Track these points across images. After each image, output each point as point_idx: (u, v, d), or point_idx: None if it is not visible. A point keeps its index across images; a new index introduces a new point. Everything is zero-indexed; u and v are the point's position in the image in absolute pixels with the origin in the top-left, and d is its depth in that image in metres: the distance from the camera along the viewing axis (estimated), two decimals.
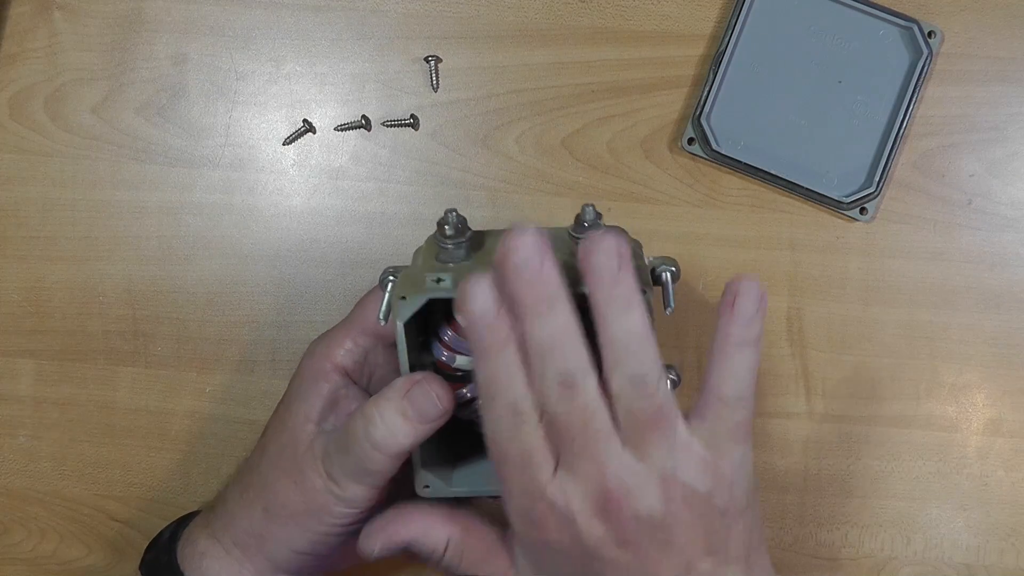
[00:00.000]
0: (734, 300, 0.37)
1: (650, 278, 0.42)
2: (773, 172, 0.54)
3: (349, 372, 0.46)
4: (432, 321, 0.44)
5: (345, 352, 0.46)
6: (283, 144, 0.57)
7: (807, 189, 0.54)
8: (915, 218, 0.55)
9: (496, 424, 0.37)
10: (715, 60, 0.54)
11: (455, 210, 0.42)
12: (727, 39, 0.54)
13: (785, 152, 0.54)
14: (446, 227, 0.42)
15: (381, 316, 0.42)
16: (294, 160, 0.57)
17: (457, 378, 0.44)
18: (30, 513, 0.57)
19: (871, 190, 0.54)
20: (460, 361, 0.44)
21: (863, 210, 0.54)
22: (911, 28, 0.54)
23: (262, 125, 0.56)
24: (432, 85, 0.56)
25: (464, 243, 0.42)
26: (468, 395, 0.45)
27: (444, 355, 0.44)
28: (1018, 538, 0.55)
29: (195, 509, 0.51)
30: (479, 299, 0.36)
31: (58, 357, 0.57)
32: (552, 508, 0.37)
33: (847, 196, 0.54)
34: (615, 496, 0.36)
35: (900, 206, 0.55)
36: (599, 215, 0.41)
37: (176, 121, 0.56)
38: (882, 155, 0.54)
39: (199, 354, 0.56)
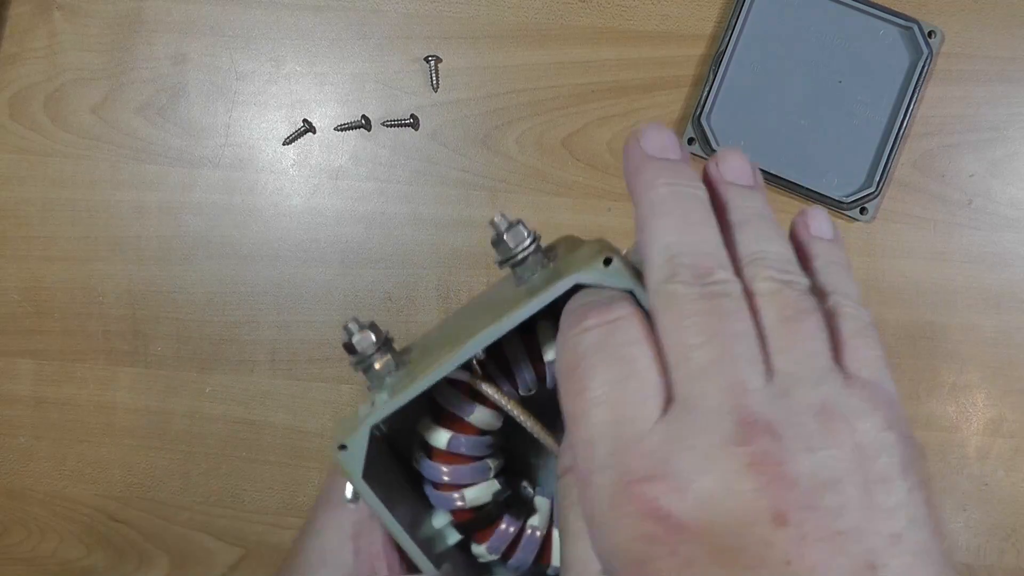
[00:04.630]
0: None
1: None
2: (773, 172, 0.54)
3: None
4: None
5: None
6: (283, 144, 0.57)
7: (807, 189, 0.54)
8: (915, 218, 0.55)
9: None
10: (715, 60, 0.54)
11: (355, 320, 0.31)
12: (727, 39, 0.54)
13: (785, 152, 0.54)
14: (353, 346, 0.31)
15: (348, 496, 0.31)
16: (294, 160, 0.57)
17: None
18: (30, 513, 0.57)
19: (871, 190, 0.54)
20: (472, 496, 0.33)
21: (863, 210, 0.54)
22: (911, 28, 0.54)
23: (262, 125, 0.57)
24: (432, 85, 0.56)
25: (385, 350, 0.31)
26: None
27: (457, 502, 0.33)
28: (1018, 538, 0.55)
29: (195, 509, 0.51)
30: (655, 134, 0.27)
31: (58, 357, 0.57)
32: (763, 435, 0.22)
33: (847, 196, 0.54)
34: (835, 417, 0.23)
35: (900, 206, 0.55)
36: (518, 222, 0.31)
37: (176, 121, 0.56)
38: (882, 155, 0.54)
39: (199, 354, 0.56)
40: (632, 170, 0.27)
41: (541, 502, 0.35)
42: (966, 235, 0.55)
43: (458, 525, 0.33)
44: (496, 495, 0.33)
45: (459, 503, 0.33)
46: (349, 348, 0.31)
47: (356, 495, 0.31)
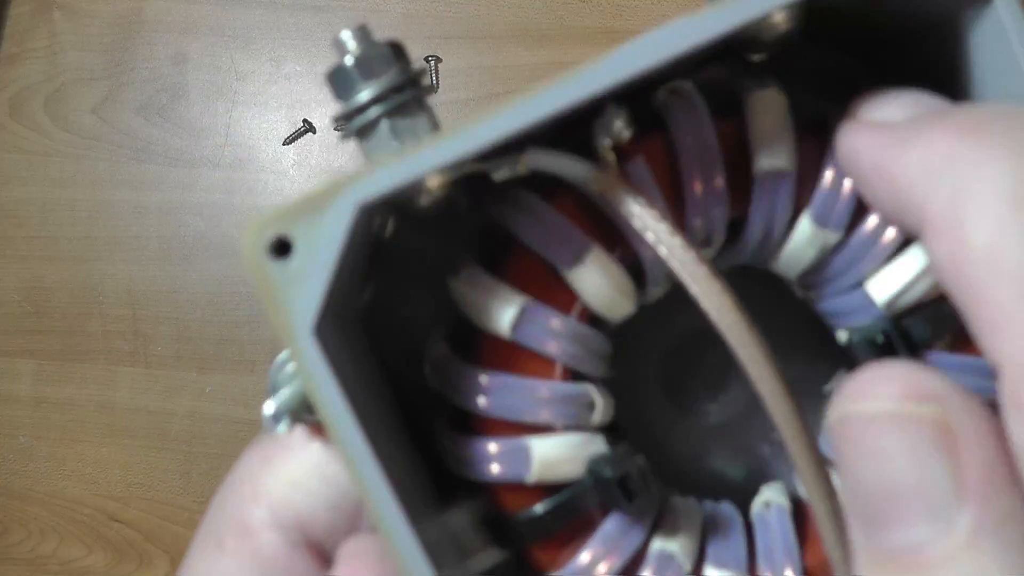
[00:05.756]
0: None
1: None
2: None
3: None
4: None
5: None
6: (283, 144, 0.57)
7: None
8: None
9: None
10: None
11: (359, 29, 0.17)
12: None
13: None
14: (347, 73, 0.16)
15: (269, 412, 0.17)
16: (294, 160, 0.57)
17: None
18: (30, 513, 0.57)
19: None
20: (546, 453, 0.17)
21: None
22: None
23: (262, 125, 0.57)
24: (432, 85, 0.56)
25: (411, 92, 0.17)
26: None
27: (502, 464, 0.17)
28: None
29: (195, 509, 0.51)
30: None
31: (58, 357, 0.57)
32: None
33: None
34: None
35: None
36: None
37: (176, 121, 0.56)
38: None
39: (199, 354, 0.56)
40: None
41: (690, 508, 0.19)
42: None
43: (500, 523, 0.17)
44: (595, 466, 0.17)
45: (510, 469, 0.16)
46: (337, 80, 0.16)
47: (292, 411, 0.16)
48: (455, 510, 0.17)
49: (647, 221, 0.15)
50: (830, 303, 0.18)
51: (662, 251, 0.15)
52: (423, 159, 0.14)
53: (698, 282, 0.15)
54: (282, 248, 0.15)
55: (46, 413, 0.57)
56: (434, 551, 0.15)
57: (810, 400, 0.19)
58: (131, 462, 0.57)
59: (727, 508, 0.19)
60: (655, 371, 0.20)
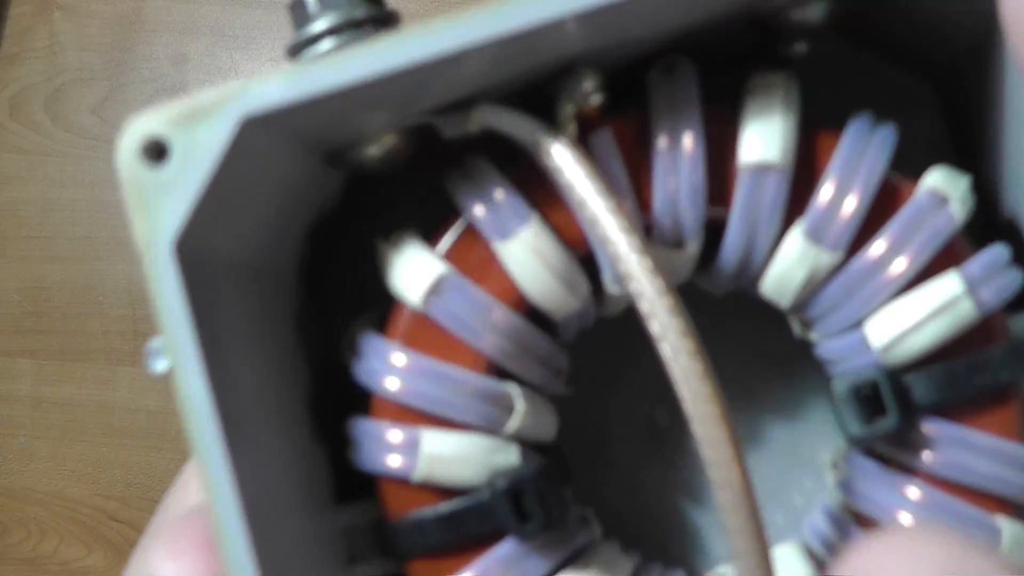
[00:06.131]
0: None
1: None
2: None
3: None
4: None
5: None
6: None
7: None
8: None
9: None
10: None
11: None
12: None
13: None
14: None
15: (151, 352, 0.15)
16: None
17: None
18: (30, 513, 0.57)
19: None
20: (436, 449, 0.14)
21: None
22: None
23: None
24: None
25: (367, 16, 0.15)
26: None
27: (391, 454, 0.15)
28: None
29: None
30: None
31: (58, 357, 0.57)
32: None
33: None
34: None
35: None
36: None
37: None
38: None
39: None
40: None
41: (618, 559, 0.16)
42: None
43: (384, 529, 0.15)
44: (497, 480, 0.14)
45: (397, 460, 0.14)
46: (295, 10, 0.15)
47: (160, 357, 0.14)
48: (352, 509, 0.15)
49: (587, 195, 0.12)
50: (825, 346, 0.15)
51: (599, 230, 0.12)
52: (321, 74, 0.12)
53: (631, 265, 0.12)
54: (157, 152, 0.13)
55: (46, 413, 0.57)
56: (293, 547, 0.13)
57: (803, 463, 0.17)
58: (131, 462, 0.57)
59: (673, 573, 0.17)
60: (641, 414, 0.18)
